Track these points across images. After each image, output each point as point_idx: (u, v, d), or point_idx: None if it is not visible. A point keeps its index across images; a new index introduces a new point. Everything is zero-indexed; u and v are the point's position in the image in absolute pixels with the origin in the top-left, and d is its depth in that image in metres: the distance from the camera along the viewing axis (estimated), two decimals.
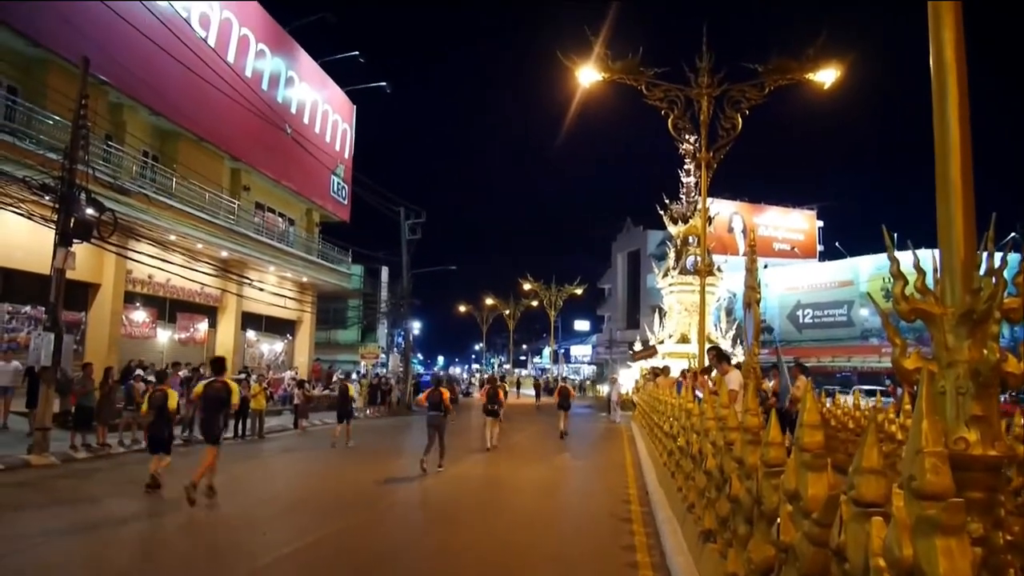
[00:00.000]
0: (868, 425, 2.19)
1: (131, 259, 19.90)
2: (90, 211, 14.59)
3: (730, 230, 59.81)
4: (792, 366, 13.47)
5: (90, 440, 14.42)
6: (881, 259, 51.11)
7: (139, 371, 16.57)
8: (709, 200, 36.26)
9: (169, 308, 24.45)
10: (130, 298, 22.26)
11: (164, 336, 24.12)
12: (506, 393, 21.75)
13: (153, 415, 10.76)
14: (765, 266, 61.69)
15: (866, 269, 51.73)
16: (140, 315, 22.87)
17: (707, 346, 15.92)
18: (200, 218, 22.51)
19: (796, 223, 64.36)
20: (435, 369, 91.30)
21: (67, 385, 14.81)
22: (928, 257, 3.61)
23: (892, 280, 3.70)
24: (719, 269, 34.90)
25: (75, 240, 13.62)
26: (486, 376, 25.87)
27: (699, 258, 34.92)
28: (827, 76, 17.03)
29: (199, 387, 10.18)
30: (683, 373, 18.97)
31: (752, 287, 10.66)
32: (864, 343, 49.28)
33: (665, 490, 8.66)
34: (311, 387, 28.88)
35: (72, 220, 13.45)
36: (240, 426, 18.54)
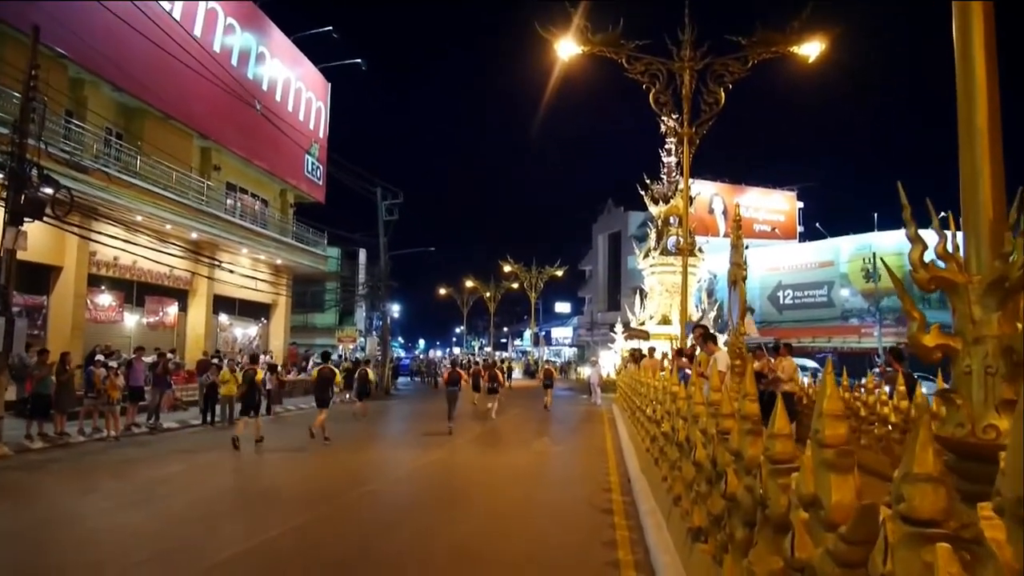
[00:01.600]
0: (919, 419, 1.68)
1: (94, 240, 19.14)
2: (46, 189, 13.89)
3: (711, 211, 59.63)
4: (771, 345, 13.10)
5: (48, 429, 13.77)
6: (862, 239, 51.20)
7: (99, 356, 15.86)
8: (690, 181, 36.08)
9: (136, 291, 23.65)
10: (95, 281, 21.47)
11: (132, 320, 23.36)
12: (504, 374, 26.48)
13: (245, 387, 14.42)
14: (747, 247, 61.49)
15: (846, 250, 51.75)
16: (106, 299, 22.08)
17: (688, 324, 15.53)
18: (167, 198, 21.71)
19: (777, 204, 64.25)
20: (416, 353, 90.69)
21: (22, 371, 14.14)
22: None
23: (911, 242, 3.21)
24: (700, 250, 34.61)
25: (26, 219, 12.87)
26: (488, 361, 28.08)
27: (681, 238, 34.80)
28: (812, 49, 16.63)
29: (315, 371, 16.34)
30: (665, 355, 18.61)
31: (738, 264, 10.22)
32: (844, 323, 49.40)
33: (648, 478, 8.20)
34: (285, 372, 28.29)
35: (23, 197, 12.70)
36: (209, 413, 17.94)
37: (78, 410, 14.83)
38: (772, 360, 12.12)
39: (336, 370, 17.14)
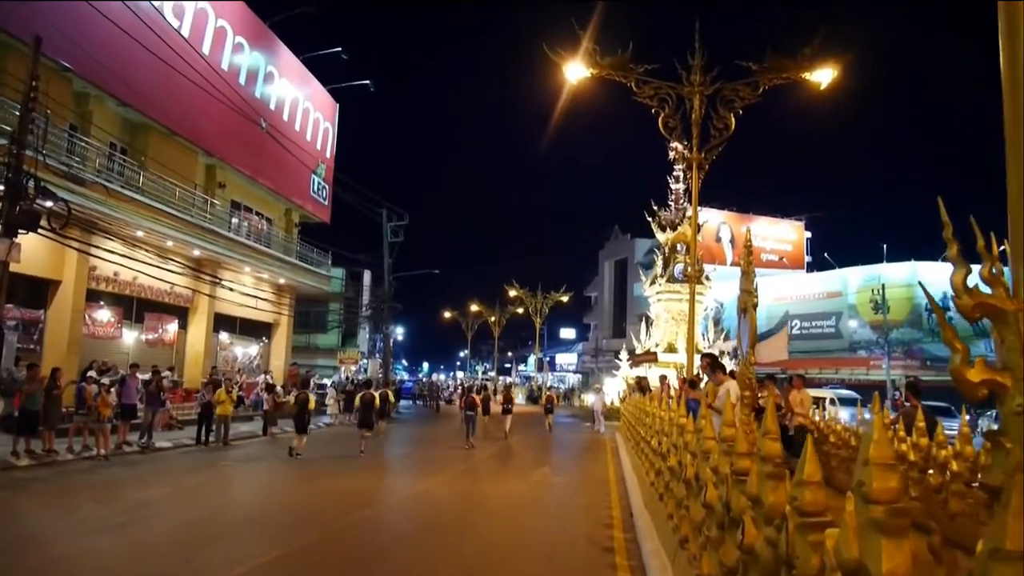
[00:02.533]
0: (1010, 481, 1.33)
1: (93, 255, 18.91)
2: (48, 203, 13.68)
3: (718, 240, 59.43)
4: (788, 377, 12.68)
5: (36, 446, 13.40)
6: (870, 270, 50.79)
7: (91, 372, 15.52)
8: (698, 209, 35.80)
9: (136, 307, 23.35)
10: (94, 296, 21.17)
11: (130, 337, 23.04)
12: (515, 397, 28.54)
13: (297, 409, 15.88)
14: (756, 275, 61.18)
15: (855, 281, 51.38)
16: (104, 314, 21.78)
17: (696, 355, 15.09)
18: (169, 214, 21.47)
19: (784, 234, 64.02)
20: (420, 376, 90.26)
21: (11, 386, 13.81)
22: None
23: (953, 265, 2.87)
24: (707, 278, 34.27)
25: (21, 231, 12.61)
26: (503, 384, 30.12)
27: (688, 265, 34.46)
28: (823, 76, 16.41)
29: (357, 399, 18.11)
30: (664, 379, 18.13)
31: (748, 291, 9.85)
32: (852, 355, 48.88)
33: (652, 513, 7.78)
34: (284, 392, 27.92)
35: (18, 209, 12.46)
36: (204, 432, 17.55)
37: (67, 427, 14.47)
38: (778, 392, 11.72)
39: (310, 396, 17.09)
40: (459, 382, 74.18)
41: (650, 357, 31.91)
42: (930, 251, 51.20)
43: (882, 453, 1.78)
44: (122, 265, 20.40)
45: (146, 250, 21.25)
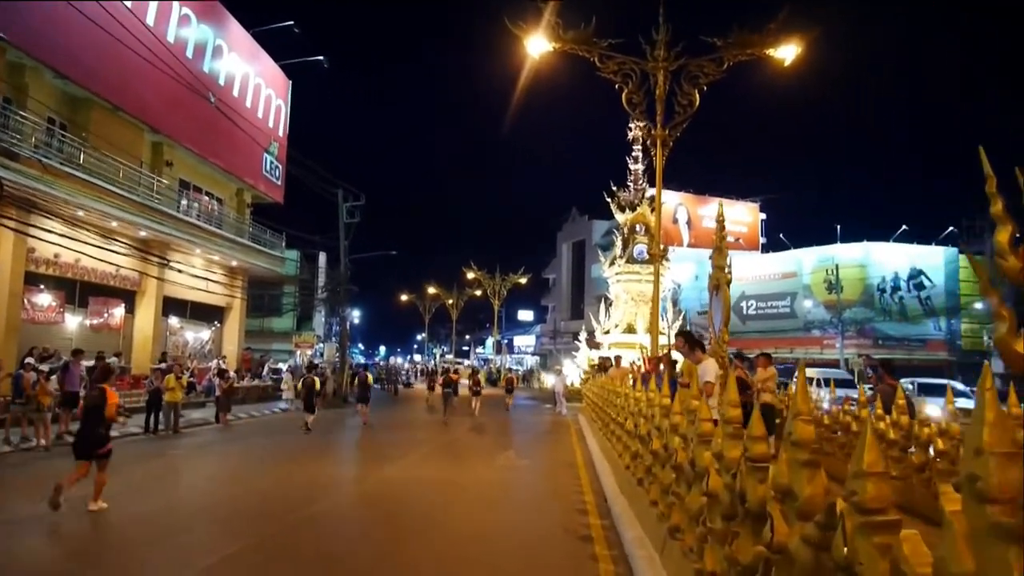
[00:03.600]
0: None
1: (31, 235, 17.95)
2: None
3: (675, 221, 59.72)
4: (758, 356, 12.51)
5: None
6: (824, 251, 51.49)
7: (29, 359, 14.65)
8: (652, 194, 35.72)
9: (80, 291, 22.26)
10: (33, 279, 20.11)
11: (73, 322, 21.99)
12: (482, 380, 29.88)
13: (305, 392, 18.10)
14: (710, 256, 61.66)
15: (809, 261, 52.05)
16: (45, 298, 20.71)
17: (662, 334, 14.94)
18: (113, 192, 20.45)
19: (740, 215, 64.56)
20: (376, 359, 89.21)
21: None
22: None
23: (996, 223, 2.53)
24: (667, 258, 34.24)
25: None
26: (470, 368, 32.19)
27: (647, 247, 34.40)
28: (788, 53, 16.30)
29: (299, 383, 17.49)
30: (634, 363, 17.94)
31: (720, 267, 9.58)
32: (807, 334, 49.65)
33: (630, 499, 7.46)
34: (238, 377, 27.09)
35: None
36: (153, 420, 16.79)
37: (4, 417, 13.66)
38: (744, 370, 11.55)
39: (316, 379, 17.85)
40: (417, 366, 73.68)
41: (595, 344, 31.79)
42: (882, 232, 52.15)
43: (1001, 439, 1.42)
44: (63, 246, 19.44)
45: (89, 230, 20.29)
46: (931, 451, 6.94)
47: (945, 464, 6.55)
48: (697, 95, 16.51)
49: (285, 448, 14.77)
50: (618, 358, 16.01)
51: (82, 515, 7.89)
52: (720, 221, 9.80)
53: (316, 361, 40.24)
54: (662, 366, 10.70)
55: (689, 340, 7.89)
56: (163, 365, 20.36)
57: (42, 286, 20.54)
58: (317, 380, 18.96)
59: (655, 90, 16.74)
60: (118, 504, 8.36)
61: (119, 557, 6.42)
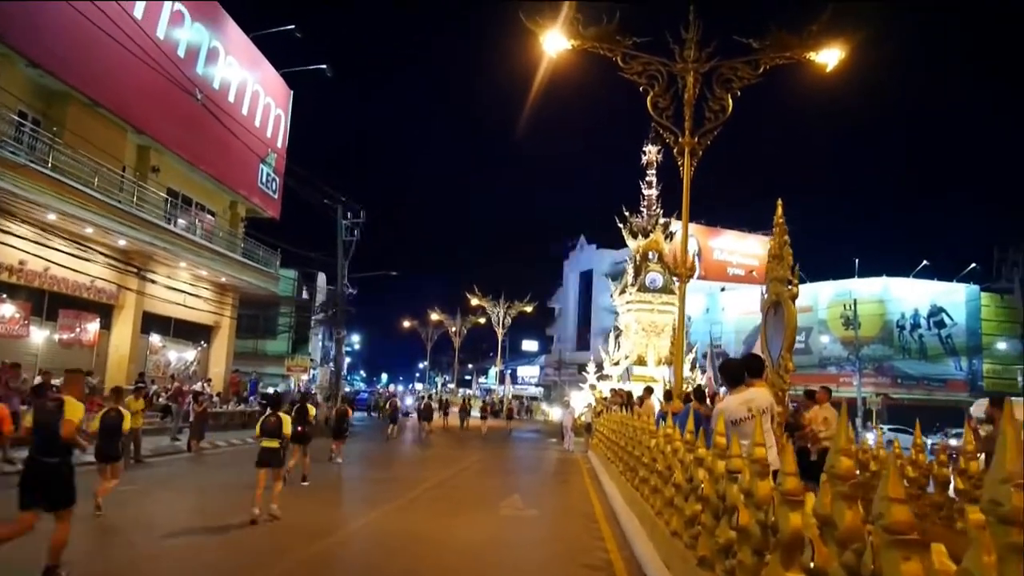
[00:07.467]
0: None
1: None
2: None
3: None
4: (819, 390, 10.66)
5: None
6: (841, 285, 49.79)
7: None
8: (667, 220, 34.00)
9: (48, 302, 20.45)
10: None
11: (40, 336, 20.14)
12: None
13: (336, 419, 17.89)
14: (722, 289, 59.96)
15: (825, 296, 50.39)
16: (7, 309, 18.85)
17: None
18: (89, 196, 18.76)
19: (751, 248, 63.11)
20: (377, 387, 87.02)
21: None
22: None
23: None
24: (676, 287, 32.39)
25: None
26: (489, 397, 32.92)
27: (660, 275, 32.58)
28: (830, 57, 14.75)
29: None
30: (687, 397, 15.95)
31: (781, 279, 7.76)
32: (822, 371, 47.75)
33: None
34: (221, 401, 25.22)
35: None
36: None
37: None
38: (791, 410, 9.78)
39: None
40: (418, 395, 71.82)
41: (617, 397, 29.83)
42: (901, 267, 50.38)
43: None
44: (30, 253, 17.76)
45: (61, 237, 18.63)
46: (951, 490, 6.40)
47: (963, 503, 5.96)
48: (730, 100, 14.95)
49: (250, 486, 12.82)
50: (648, 390, 13.97)
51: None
52: (780, 221, 7.98)
53: (312, 388, 38.32)
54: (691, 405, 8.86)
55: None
56: (140, 385, 18.53)
57: (4, 295, 18.73)
58: (321, 402, 17.17)
59: (683, 94, 15.17)
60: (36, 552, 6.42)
61: None
